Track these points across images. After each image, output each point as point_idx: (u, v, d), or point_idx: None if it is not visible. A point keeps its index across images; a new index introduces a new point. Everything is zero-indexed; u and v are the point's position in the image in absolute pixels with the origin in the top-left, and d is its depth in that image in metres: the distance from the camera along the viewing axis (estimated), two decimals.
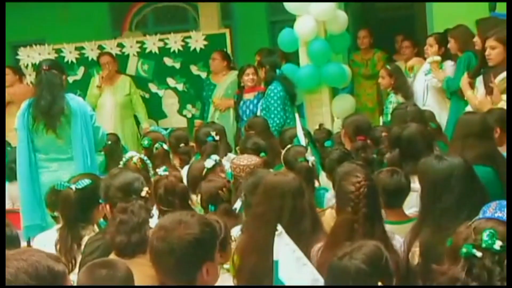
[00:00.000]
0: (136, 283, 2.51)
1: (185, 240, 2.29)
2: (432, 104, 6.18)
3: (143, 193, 3.14)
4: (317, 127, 5.67)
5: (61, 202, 3.36)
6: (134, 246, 2.83)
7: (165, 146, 4.97)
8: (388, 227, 3.35)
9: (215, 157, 4.22)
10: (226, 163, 4.56)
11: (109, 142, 6.13)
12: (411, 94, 6.35)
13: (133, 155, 4.39)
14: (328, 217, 3.37)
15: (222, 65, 7.64)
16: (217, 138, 5.11)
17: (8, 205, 5.27)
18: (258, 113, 6.56)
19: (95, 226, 3.37)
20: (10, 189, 5.30)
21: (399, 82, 6.39)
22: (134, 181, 3.21)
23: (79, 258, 3.19)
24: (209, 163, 4.05)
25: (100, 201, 3.31)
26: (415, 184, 3.37)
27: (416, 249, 2.97)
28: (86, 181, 3.34)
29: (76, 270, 3.11)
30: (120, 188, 3.16)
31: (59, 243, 3.28)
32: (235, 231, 3.36)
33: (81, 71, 8.21)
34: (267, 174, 3.24)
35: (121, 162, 4.38)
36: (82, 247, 3.16)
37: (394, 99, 6.31)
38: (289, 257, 2.50)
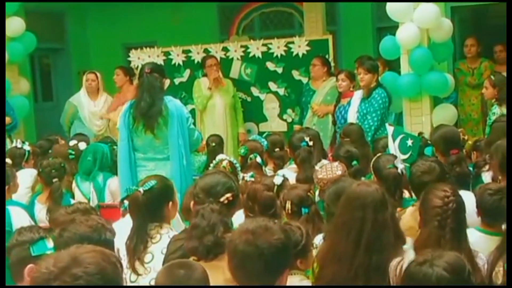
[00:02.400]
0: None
1: (274, 245, 2.32)
2: None
3: (222, 198, 3.16)
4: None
5: (130, 204, 3.42)
6: (208, 248, 2.88)
7: (259, 159, 5.05)
8: (480, 235, 3.32)
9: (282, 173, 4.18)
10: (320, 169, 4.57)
11: (213, 144, 6.33)
12: None
13: (223, 158, 4.49)
14: (407, 217, 3.31)
15: (322, 71, 7.66)
16: (310, 143, 5.14)
17: (108, 200, 5.53)
18: (353, 117, 6.51)
19: (171, 224, 3.45)
20: (111, 184, 5.55)
21: (503, 93, 6.15)
22: (217, 185, 3.24)
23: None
24: (278, 180, 4.03)
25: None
26: None
27: (500, 269, 2.88)
28: (151, 182, 3.38)
29: (149, 272, 3.23)
30: (202, 189, 3.23)
31: (128, 242, 3.34)
32: (318, 239, 3.37)
33: (187, 73, 8.50)
34: (350, 184, 3.22)
35: (211, 165, 4.48)
36: (164, 245, 3.25)
37: (497, 111, 6.09)
38: None
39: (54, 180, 5.08)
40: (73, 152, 5.68)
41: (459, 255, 2.39)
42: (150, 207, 3.33)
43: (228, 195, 3.20)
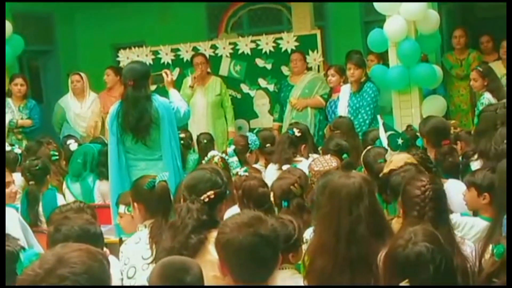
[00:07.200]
0: None
1: (274, 230, 2.35)
2: None
3: (203, 196, 3.05)
4: (405, 128, 5.57)
5: (158, 195, 3.42)
6: (178, 250, 2.87)
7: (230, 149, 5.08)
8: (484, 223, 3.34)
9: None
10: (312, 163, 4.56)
11: (204, 141, 6.35)
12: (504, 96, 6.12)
13: (215, 154, 4.49)
14: (395, 227, 3.31)
15: (304, 66, 7.67)
16: (298, 135, 5.12)
17: (98, 201, 5.53)
18: (344, 112, 6.53)
19: None
20: (101, 185, 5.55)
21: (492, 83, 6.19)
22: (199, 182, 3.13)
23: None
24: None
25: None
26: None
27: (489, 255, 2.89)
28: (165, 173, 3.43)
29: None
30: (186, 187, 3.16)
31: (152, 237, 3.28)
32: (308, 233, 3.37)
33: (176, 72, 8.46)
34: (334, 176, 3.22)
35: (203, 161, 4.48)
36: None
37: (486, 101, 6.11)
38: None
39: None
40: (56, 153, 5.67)
41: (422, 226, 2.45)
42: (168, 196, 3.40)
43: (210, 192, 3.06)
